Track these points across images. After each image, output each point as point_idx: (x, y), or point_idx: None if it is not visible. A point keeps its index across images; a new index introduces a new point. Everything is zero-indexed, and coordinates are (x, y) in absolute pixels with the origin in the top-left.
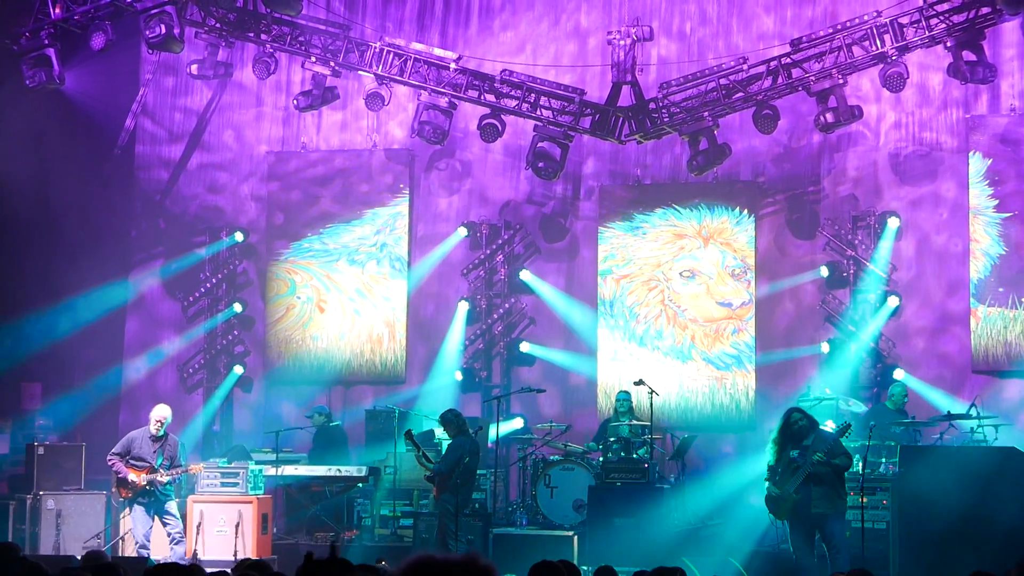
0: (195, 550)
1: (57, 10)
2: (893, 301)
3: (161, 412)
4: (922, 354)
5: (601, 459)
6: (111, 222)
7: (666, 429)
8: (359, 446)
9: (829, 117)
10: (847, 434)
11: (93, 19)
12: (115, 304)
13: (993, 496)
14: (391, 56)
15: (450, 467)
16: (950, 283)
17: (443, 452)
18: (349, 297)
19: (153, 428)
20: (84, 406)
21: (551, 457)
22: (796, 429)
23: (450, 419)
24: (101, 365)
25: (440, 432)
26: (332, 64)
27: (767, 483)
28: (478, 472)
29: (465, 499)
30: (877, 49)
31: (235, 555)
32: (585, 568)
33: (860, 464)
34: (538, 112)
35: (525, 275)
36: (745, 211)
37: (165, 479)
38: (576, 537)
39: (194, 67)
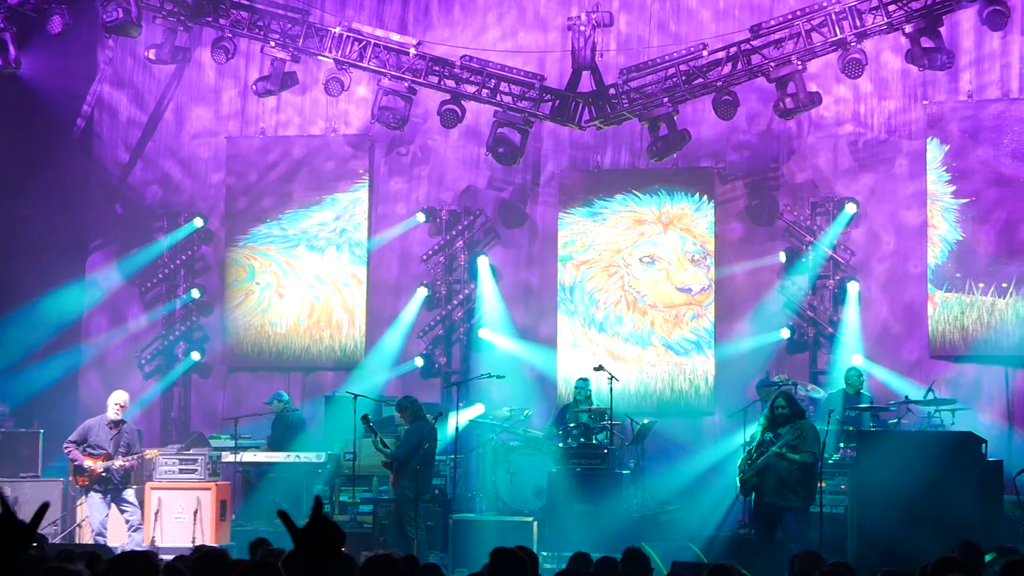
0: (153, 537)
1: None
2: (852, 286)
3: (120, 396)
4: (880, 339)
5: (561, 445)
6: (68, 209)
7: (626, 415)
8: (318, 432)
9: (788, 103)
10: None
11: (50, 2)
12: (74, 295)
13: (950, 481)
14: (350, 41)
15: (408, 453)
16: (908, 269)
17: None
18: (308, 283)
19: (112, 413)
20: (40, 388)
21: (511, 443)
22: (776, 415)
23: (405, 406)
24: (58, 351)
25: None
26: (291, 49)
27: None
28: (438, 458)
29: (425, 485)
30: (836, 35)
31: (193, 542)
32: (545, 554)
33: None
34: (498, 98)
35: (482, 262)
36: (705, 197)
37: (118, 465)
38: (536, 523)
39: (152, 52)
